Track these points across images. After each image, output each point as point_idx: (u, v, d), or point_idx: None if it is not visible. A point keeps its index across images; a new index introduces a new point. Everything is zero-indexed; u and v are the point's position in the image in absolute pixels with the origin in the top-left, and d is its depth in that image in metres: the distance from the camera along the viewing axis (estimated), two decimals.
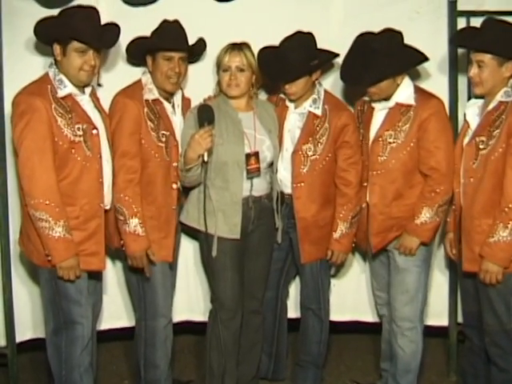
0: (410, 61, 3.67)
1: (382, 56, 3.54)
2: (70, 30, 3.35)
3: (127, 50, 3.74)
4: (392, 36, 3.61)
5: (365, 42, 3.62)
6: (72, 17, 3.37)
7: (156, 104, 3.66)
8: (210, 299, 3.87)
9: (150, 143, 3.62)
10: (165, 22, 3.66)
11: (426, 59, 3.67)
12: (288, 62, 3.65)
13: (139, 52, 3.70)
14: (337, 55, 3.80)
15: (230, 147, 3.65)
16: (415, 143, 3.66)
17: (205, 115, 3.56)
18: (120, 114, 3.58)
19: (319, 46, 3.76)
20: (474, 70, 3.49)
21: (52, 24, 3.40)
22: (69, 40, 3.36)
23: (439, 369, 4.28)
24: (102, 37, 3.44)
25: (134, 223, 3.58)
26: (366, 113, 3.81)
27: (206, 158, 3.53)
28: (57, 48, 3.40)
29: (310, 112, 3.78)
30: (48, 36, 3.41)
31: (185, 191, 3.83)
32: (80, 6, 3.49)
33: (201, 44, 3.80)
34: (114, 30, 3.50)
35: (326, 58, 3.79)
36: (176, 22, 3.66)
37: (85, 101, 3.49)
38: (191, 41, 3.73)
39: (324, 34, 3.85)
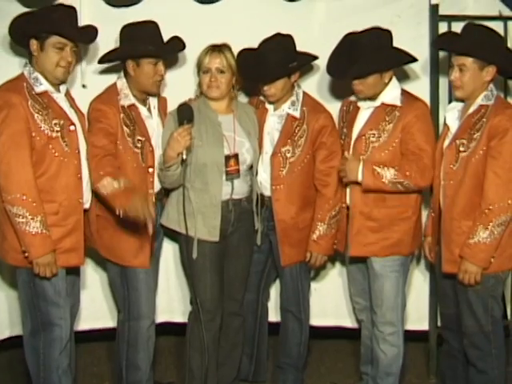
0: (397, 59, 3.68)
1: (369, 51, 3.57)
2: (49, 25, 3.36)
3: (104, 57, 3.73)
4: (380, 33, 3.64)
5: (353, 38, 3.64)
6: (51, 13, 3.39)
7: (131, 110, 3.65)
8: (190, 301, 3.87)
9: (127, 149, 3.61)
10: (141, 23, 3.63)
11: (414, 60, 3.68)
12: (267, 64, 3.66)
13: (121, 57, 3.69)
14: (316, 58, 3.82)
15: (209, 149, 3.65)
16: (397, 144, 3.66)
17: (184, 114, 3.57)
18: (97, 121, 3.56)
19: (301, 48, 3.78)
20: (455, 74, 3.51)
21: (29, 19, 3.40)
22: (47, 35, 3.37)
23: (419, 371, 4.29)
24: (82, 32, 3.47)
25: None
26: (351, 112, 3.81)
27: (184, 156, 3.53)
28: (34, 43, 3.39)
29: (288, 114, 3.79)
30: (25, 31, 3.40)
31: (165, 194, 3.83)
32: (59, 4, 3.52)
33: (178, 43, 3.78)
34: (91, 27, 3.53)
35: (304, 61, 3.81)
36: (153, 23, 3.65)
37: (60, 99, 3.50)
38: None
39: (306, 37, 3.87)
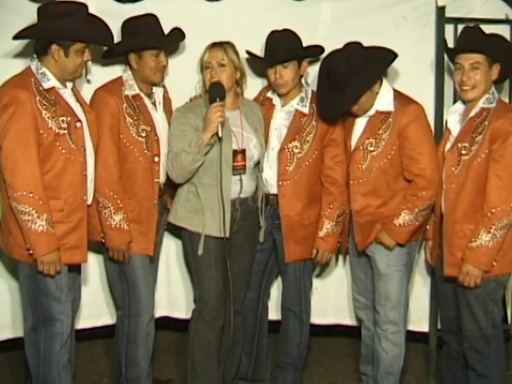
0: (379, 68, 3.62)
1: (351, 75, 3.51)
2: (78, 34, 3.35)
3: (107, 51, 3.76)
4: (353, 50, 3.58)
5: (330, 69, 3.60)
6: (69, 17, 3.35)
7: (136, 100, 3.69)
8: (193, 298, 3.87)
9: (129, 138, 3.65)
10: (141, 17, 3.68)
11: (394, 57, 3.60)
12: (279, 46, 3.69)
13: (122, 51, 3.72)
14: (323, 50, 3.81)
15: (217, 145, 3.63)
16: (395, 151, 3.65)
17: (216, 92, 3.59)
18: (99, 108, 3.61)
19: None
20: (467, 74, 3.49)
21: (48, 27, 3.36)
22: (72, 42, 3.37)
23: (418, 373, 4.29)
24: (103, 34, 3.48)
25: (118, 218, 3.61)
26: (349, 120, 3.79)
27: (220, 134, 3.53)
28: (56, 49, 3.37)
29: (297, 110, 3.79)
30: (49, 39, 3.37)
31: (170, 189, 3.84)
32: (66, 2, 3.48)
33: (178, 33, 3.82)
34: (104, 24, 3.52)
35: (313, 46, 3.81)
36: (153, 15, 3.69)
37: (67, 94, 3.49)
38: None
39: (311, 37, 3.86)
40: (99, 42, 3.57)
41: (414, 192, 3.64)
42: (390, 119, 3.64)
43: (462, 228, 3.52)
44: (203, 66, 3.71)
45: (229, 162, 3.66)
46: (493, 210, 3.42)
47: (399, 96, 3.69)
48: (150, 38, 3.65)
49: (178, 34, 3.80)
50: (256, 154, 3.76)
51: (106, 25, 3.52)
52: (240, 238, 3.80)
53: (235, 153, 3.68)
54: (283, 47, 3.69)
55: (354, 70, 3.51)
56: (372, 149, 3.67)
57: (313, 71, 3.95)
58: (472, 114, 3.54)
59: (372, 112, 3.67)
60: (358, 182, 3.72)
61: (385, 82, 3.69)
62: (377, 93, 3.64)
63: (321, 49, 3.82)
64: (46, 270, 3.37)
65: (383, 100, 3.66)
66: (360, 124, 3.72)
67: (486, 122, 3.48)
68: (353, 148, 3.73)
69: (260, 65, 3.90)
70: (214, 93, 3.59)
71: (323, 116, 3.74)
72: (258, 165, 3.82)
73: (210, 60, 3.68)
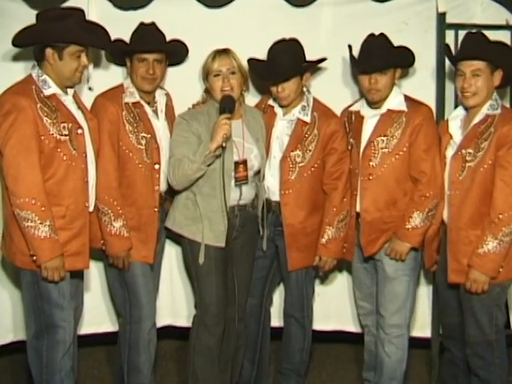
0: (406, 57, 3.74)
1: (387, 48, 3.68)
2: (67, 35, 3.34)
3: (110, 51, 3.79)
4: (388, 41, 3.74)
5: (369, 39, 3.72)
6: (63, 20, 3.35)
7: (136, 107, 3.70)
8: (194, 305, 3.86)
9: (128, 145, 3.66)
10: (141, 24, 3.72)
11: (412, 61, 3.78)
12: (280, 63, 3.68)
13: (118, 54, 3.76)
14: (324, 59, 3.82)
15: (221, 155, 3.62)
16: (407, 148, 3.68)
17: (226, 103, 3.58)
18: (99, 115, 3.62)
19: (308, 54, 3.77)
20: (468, 81, 3.51)
21: (43, 30, 3.36)
22: (65, 45, 3.36)
23: (421, 378, 4.28)
24: (98, 37, 3.46)
25: (118, 224, 3.61)
26: (355, 122, 3.82)
27: (223, 144, 3.52)
28: (50, 52, 3.37)
29: (298, 119, 3.79)
30: (41, 41, 3.37)
31: (171, 196, 3.83)
32: (67, 8, 3.51)
33: (177, 45, 3.82)
34: (101, 29, 3.51)
35: (315, 61, 3.81)
36: (152, 24, 3.71)
37: (68, 101, 3.49)
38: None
39: (313, 44, 3.87)
40: (93, 44, 3.52)
41: (422, 193, 3.67)
42: (404, 118, 3.69)
43: (467, 234, 3.53)
44: (211, 74, 3.69)
45: (230, 173, 3.65)
46: (500, 216, 3.43)
47: (410, 99, 3.76)
48: (133, 42, 3.69)
49: (173, 44, 3.79)
50: (256, 165, 3.75)
51: (103, 28, 3.51)
52: (240, 244, 3.79)
53: (237, 164, 3.67)
54: (285, 64, 3.67)
55: (390, 46, 3.67)
56: (383, 146, 3.70)
57: (314, 80, 3.98)
58: (476, 120, 3.55)
59: (383, 110, 3.72)
60: (368, 179, 3.73)
61: (396, 86, 3.76)
62: (395, 84, 3.72)
63: (321, 59, 3.82)
64: (49, 276, 3.37)
65: (395, 100, 3.73)
66: (370, 123, 3.76)
67: (492, 129, 3.49)
68: (363, 146, 3.75)
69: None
70: (225, 104, 3.58)
71: (357, 67, 3.80)
72: (258, 173, 3.81)
73: (220, 68, 3.66)
